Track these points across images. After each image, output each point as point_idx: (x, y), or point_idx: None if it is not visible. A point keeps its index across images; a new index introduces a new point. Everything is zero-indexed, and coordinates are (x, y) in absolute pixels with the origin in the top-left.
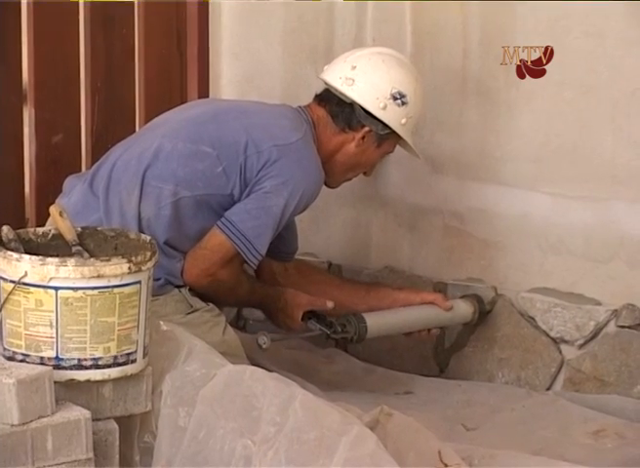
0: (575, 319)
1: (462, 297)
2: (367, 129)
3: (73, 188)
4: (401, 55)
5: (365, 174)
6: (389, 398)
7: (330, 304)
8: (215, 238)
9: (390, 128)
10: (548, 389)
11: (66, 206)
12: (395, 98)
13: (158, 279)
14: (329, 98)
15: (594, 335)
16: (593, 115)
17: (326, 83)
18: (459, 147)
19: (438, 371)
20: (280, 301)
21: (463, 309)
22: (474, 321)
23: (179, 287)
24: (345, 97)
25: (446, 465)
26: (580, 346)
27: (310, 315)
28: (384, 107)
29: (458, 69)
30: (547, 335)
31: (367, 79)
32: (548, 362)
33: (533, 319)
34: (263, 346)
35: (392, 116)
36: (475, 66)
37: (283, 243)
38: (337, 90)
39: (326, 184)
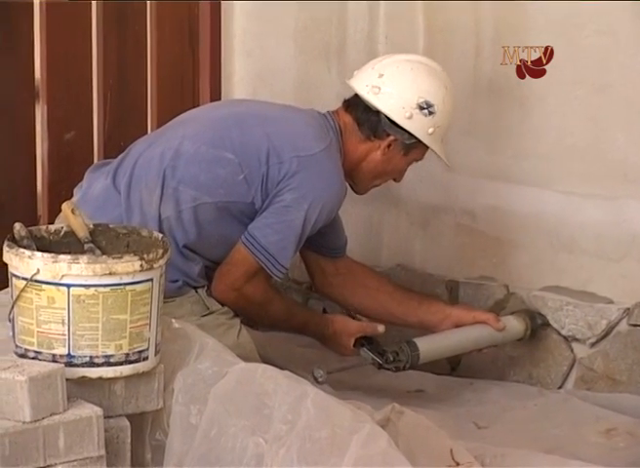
0: (587, 317)
1: (513, 314)
2: (392, 138)
3: (95, 181)
4: (432, 62)
5: (395, 180)
6: (401, 396)
7: (381, 328)
8: (238, 253)
9: (416, 137)
10: (560, 388)
11: (87, 199)
12: (422, 108)
13: (176, 280)
14: (356, 105)
15: (606, 334)
16: (605, 113)
17: (353, 89)
18: (471, 145)
19: (449, 370)
20: (328, 329)
21: (515, 327)
22: (526, 338)
23: (196, 288)
24: (371, 105)
25: (458, 464)
26: (592, 345)
27: (363, 341)
28: (410, 117)
29: (470, 67)
30: (559, 334)
31: (393, 88)
32: (560, 360)
33: (545, 317)
34: (320, 380)
35: (418, 126)
36: (487, 64)
37: (326, 239)
38: (363, 97)
39: (354, 190)
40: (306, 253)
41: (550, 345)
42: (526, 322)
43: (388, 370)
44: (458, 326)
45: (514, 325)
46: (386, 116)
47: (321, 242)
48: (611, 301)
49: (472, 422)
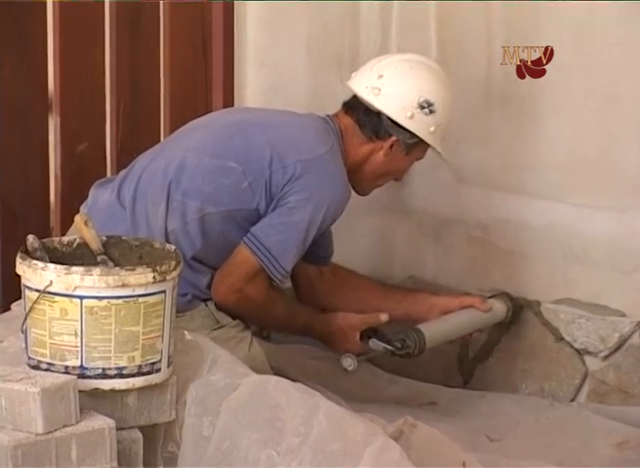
0: (599, 330)
1: (494, 297)
2: (394, 138)
3: (100, 197)
4: (430, 61)
5: (396, 179)
6: (413, 409)
7: (383, 317)
8: (240, 254)
9: (418, 136)
10: (572, 400)
11: (93, 215)
12: (422, 107)
13: (185, 294)
14: (356, 107)
15: (618, 347)
16: (618, 125)
17: (353, 92)
18: (483, 157)
19: (462, 382)
20: (332, 325)
21: (499, 308)
22: (508, 319)
23: (205, 300)
24: (372, 106)
25: None
26: (605, 358)
27: (369, 333)
28: (412, 117)
29: (482, 78)
30: (571, 347)
31: (393, 88)
32: (572, 373)
33: (557, 330)
34: (349, 369)
35: (420, 125)
36: (500, 76)
37: (319, 247)
38: (363, 99)
39: (356, 192)
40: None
41: (562, 358)
42: (507, 304)
43: (400, 356)
44: (445, 313)
45: (497, 307)
46: (388, 117)
47: (315, 250)
48: (623, 314)
49: (485, 435)
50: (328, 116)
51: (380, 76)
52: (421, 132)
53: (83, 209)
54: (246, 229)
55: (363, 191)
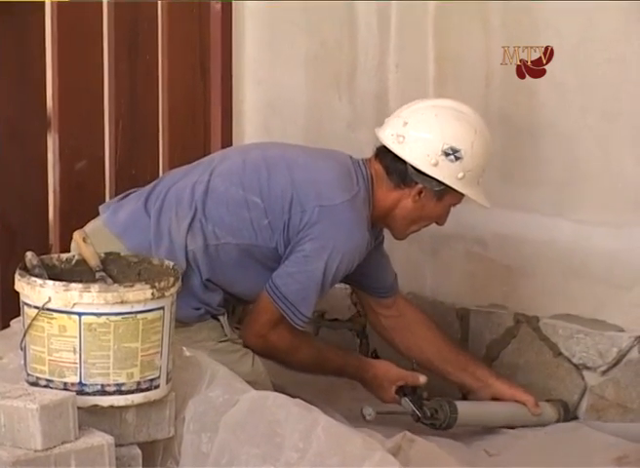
0: (597, 345)
1: (549, 401)
2: (421, 185)
3: (126, 204)
4: (462, 105)
5: (437, 223)
6: (412, 424)
7: (422, 379)
8: (262, 302)
9: (445, 184)
10: None
11: (116, 220)
12: (447, 154)
13: (198, 308)
14: (385, 154)
15: (617, 362)
16: (616, 141)
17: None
18: None
19: (461, 397)
20: (368, 373)
21: (549, 414)
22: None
23: (216, 316)
24: (397, 154)
25: None
26: (603, 373)
27: (405, 390)
28: (436, 164)
29: (480, 96)
30: (570, 362)
31: (417, 136)
32: (571, 388)
33: (555, 345)
34: (367, 418)
35: (446, 172)
36: (498, 93)
37: (369, 279)
38: (388, 147)
39: (393, 235)
40: (358, 292)
41: (561, 373)
42: (559, 412)
43: (425, 424)
44: (495, 398)
45: (548, 412)
46: (412, 165)
47: (365, 282)
48: (622, 329)
49: (483, 450)
50: (362, 160)
51: (405, 123)
52: (448, 179)
53: (103, 210)
54: (265, 265)
55: (398, 235)
